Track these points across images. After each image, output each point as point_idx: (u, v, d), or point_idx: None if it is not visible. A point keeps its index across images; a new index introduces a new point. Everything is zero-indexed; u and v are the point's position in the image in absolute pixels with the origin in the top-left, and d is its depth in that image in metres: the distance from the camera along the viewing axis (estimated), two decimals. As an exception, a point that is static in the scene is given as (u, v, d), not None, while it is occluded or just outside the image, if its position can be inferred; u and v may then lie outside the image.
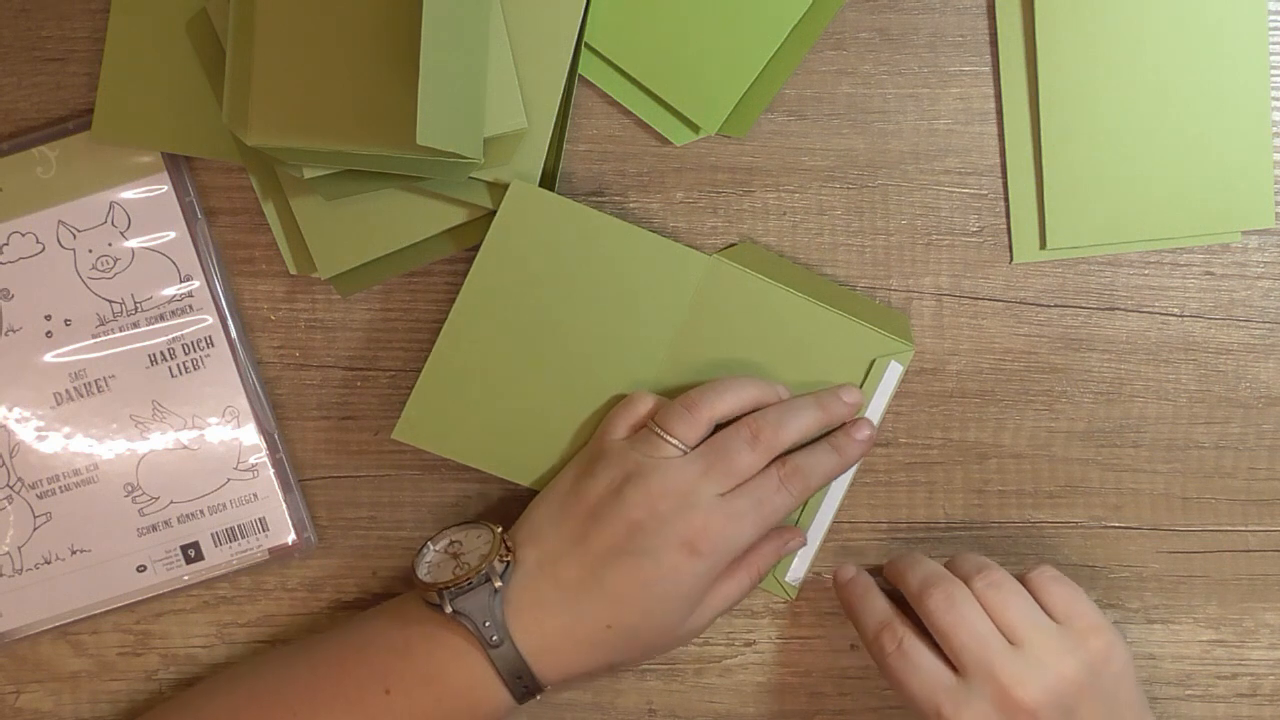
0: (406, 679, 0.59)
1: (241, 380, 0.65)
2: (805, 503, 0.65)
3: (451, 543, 0.62)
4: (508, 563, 0.59)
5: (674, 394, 0.63)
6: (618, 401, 0.63)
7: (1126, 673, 0.59)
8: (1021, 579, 0.61)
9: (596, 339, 0.63)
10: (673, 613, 0.60)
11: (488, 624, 0.58)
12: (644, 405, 0.62)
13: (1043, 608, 0.60)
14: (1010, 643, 0.58)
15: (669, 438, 0.60)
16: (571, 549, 0.59)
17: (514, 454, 0.64)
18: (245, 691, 0.62)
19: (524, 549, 0.60)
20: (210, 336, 0.65)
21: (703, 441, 0.61)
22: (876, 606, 0.62)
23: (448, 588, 0.58)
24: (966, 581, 0.60)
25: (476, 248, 0.65)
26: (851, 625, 0.64)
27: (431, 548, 0.62)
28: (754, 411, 0.62)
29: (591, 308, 0.63)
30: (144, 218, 0.64)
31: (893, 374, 0.64)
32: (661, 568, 0.58)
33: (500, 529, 0.61)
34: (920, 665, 0.59)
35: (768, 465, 0.61)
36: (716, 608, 0.61)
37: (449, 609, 0.58)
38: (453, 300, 0.66)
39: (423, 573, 0.61)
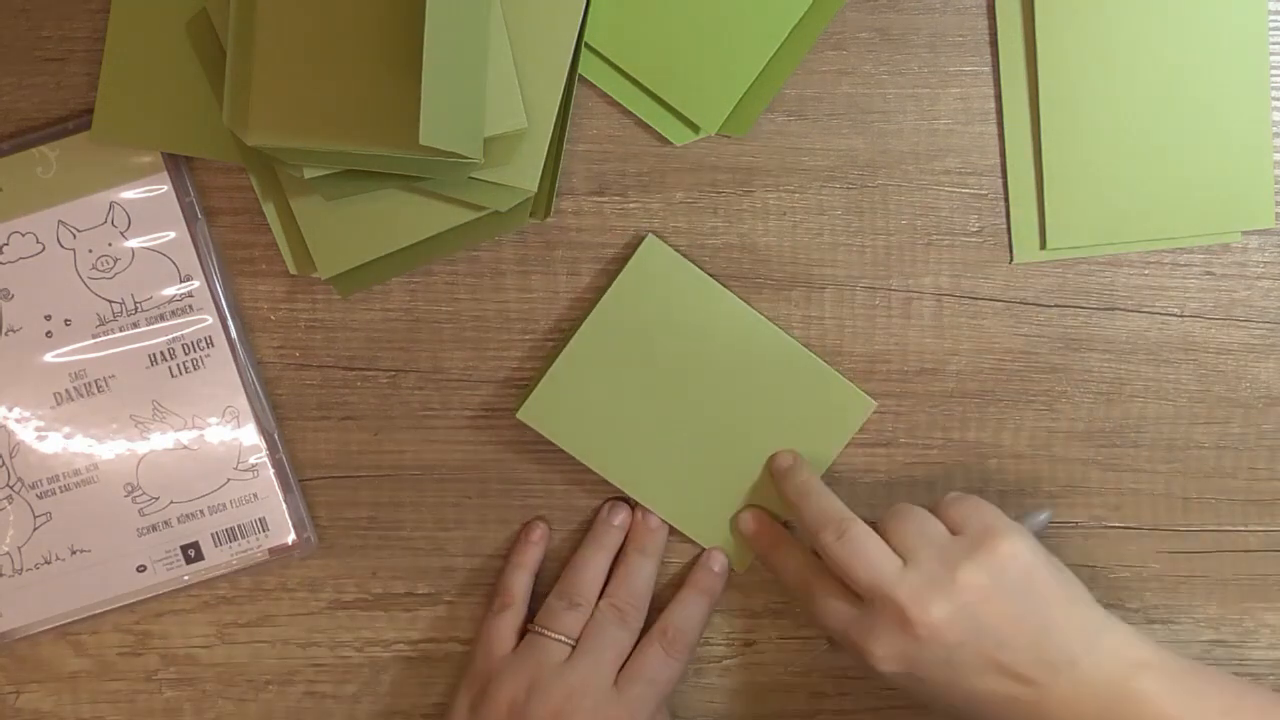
0: None
1: (241, 380, 0.65)
2: None
3: None
4: None
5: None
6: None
7: (1035, 565, 0.57)
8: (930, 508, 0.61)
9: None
10: None
11: None
12: (515, 617, 0.65)
13: (947, 527, 0.59)
14: (905, 563, 0.58)
15: (557, 636, 0.63)
16: None
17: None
18: None
19: None
20: (210, 336, 0.65)
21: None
22: (794, 555, 0.64)
23: None
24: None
25: (476, 247, 0.65)
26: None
27: None
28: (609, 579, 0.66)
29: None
30: (144, 218, 0.64)
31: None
32: None
33: None
34: (829, 604, 0.60)
35: (650, 637, 0.64)
36: None
37: None
38: (454, 300, 0.66)
39: None
